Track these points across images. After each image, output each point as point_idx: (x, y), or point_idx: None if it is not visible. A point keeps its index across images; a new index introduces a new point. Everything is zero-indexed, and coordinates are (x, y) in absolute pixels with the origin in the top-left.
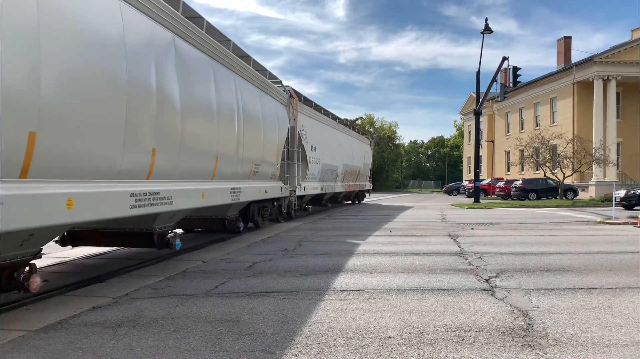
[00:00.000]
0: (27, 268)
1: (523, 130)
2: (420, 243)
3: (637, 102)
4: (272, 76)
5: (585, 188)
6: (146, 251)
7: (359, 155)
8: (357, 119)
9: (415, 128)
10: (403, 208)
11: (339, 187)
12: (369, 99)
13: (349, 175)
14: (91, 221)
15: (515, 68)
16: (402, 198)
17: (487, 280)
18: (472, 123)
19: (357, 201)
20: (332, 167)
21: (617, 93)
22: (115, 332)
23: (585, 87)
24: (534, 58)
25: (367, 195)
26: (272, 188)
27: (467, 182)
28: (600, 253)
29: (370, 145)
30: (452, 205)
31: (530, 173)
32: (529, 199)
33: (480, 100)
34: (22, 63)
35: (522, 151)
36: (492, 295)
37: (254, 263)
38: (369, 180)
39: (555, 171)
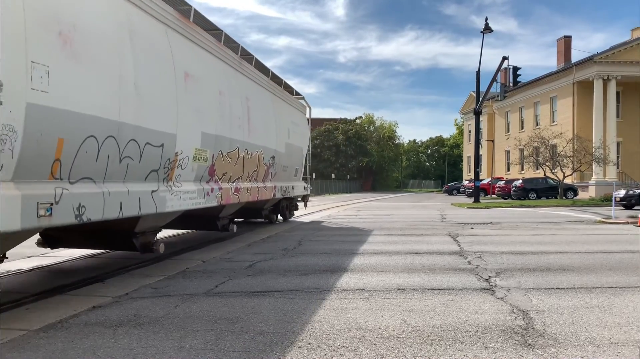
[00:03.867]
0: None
1: (523, 130)
2: (421, 242)
3: (637, 101)
4: None
5: (585, 187)
6: None
7: (276, 126)
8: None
9: (415, 127)
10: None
11: (190, 199)
12: (369, 99)
13: (238, 166)
14: None
15: (515, 68)
16: (399, 198)
17: (487, 280)
18: (472, 122)
19: (278, 218)
20: (129, 131)
21: (617, 93)
22: (115, 332)
23: (585, 87)
24: (534, 57)
25: (301, 205)
26: None
27: (467, 182)
28: (600, 252)
29: (309, 117)
30: (452, 204)
31: (530, 173)
32: (529, 199)
33: (480, 99)
34: None
35: (522, 150)
36: (492, 295)
37: (254, 263)
38: (305, 179)
39: (555, 170)
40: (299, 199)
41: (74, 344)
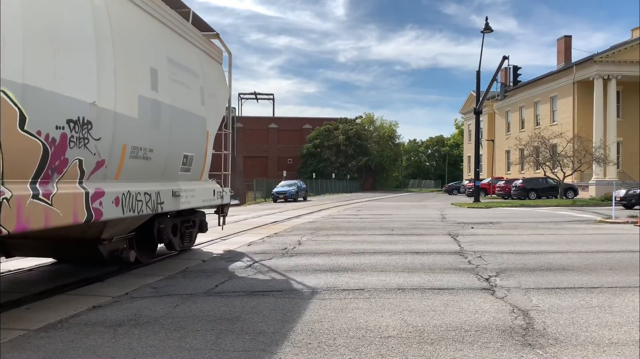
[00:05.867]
0: None
1: (523, 129)
2: (421, 242)
3: (638, 101)
4: None
5: (585, 187)
6: None
7: (102, 52)
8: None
9: (415, 127)
10: None
11: None
12: (369, 98)
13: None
14: None
15: (516, 68)
16: (399, 198)
17: (487, 279)
18: (472, 122)
19: (158, 249)
20: None
21: (618, 93)
22: (115, 331)
23: (586, 86)
24: (534, 57)
25: (216, 221)
26: None
27: (467, 181)
28: (600, 252)
29: (229, 73)
30: (452, 204)
31: (530, 173)
32: (529, 198)
33: (481, 99)
34: None
35: (522, 150)
36: (492, 294)
37: (254, 262)
38: (221, 177)
39: (556, 170)
40: (215, 211)
41: (74, 344)
